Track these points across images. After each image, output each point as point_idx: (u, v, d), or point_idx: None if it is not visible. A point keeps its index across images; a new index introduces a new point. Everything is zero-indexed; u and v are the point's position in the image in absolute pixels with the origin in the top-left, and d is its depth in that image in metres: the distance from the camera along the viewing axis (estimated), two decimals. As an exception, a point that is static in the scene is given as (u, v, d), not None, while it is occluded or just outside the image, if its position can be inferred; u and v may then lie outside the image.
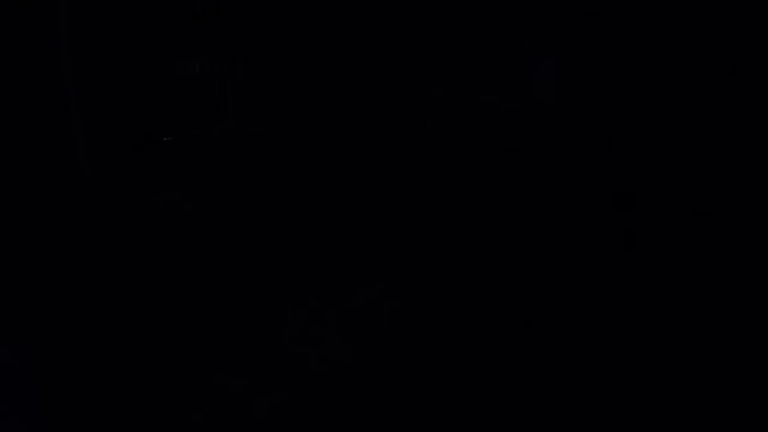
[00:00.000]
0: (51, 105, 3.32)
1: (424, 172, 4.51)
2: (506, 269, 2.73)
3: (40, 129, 3.26)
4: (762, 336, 2.12)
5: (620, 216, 3.49)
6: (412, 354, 2.00)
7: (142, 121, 4.44)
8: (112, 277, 2.55)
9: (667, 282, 2.63)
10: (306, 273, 2.66)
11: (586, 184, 4.07)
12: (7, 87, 3.17)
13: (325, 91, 7.43)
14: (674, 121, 3.80)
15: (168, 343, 2.03)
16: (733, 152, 3.22)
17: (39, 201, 3.20)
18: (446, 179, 4.33)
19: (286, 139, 4.57)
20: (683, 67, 3.67)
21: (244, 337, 2.09)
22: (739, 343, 2.08)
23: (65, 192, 3.36)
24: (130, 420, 1.63)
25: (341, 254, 2.89)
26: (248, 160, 4.16)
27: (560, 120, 4.96)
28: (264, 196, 3.78)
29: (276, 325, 2.18)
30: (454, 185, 4.18)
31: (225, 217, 3.41)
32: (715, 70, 3.44)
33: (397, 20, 5.92)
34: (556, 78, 5.14)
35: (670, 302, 2.42)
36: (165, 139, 4.92)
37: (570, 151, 4.61)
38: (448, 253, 2.93)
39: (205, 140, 5.18)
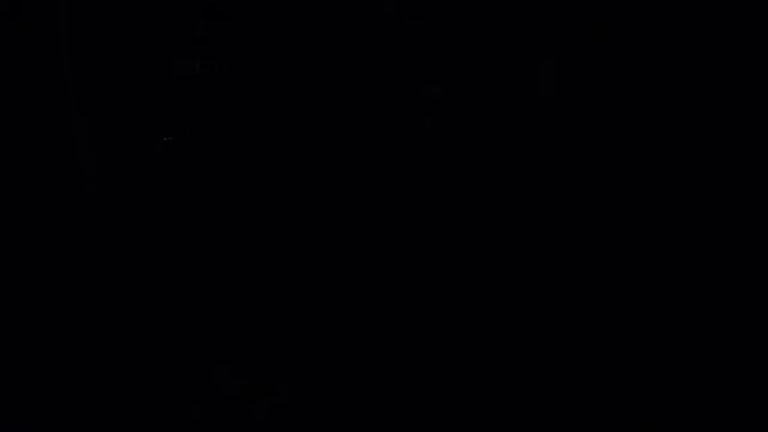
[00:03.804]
0: (51, 105, 3.31)
1: (423, 174, 4.50)
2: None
3: (40, 130, 3.25)
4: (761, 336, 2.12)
5: (620, 213, 3.48)
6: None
7: (143, 121, 4.44)
8: (111, 280, 2.55)
9: (666, 279, 2.62)
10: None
11: (586, 183, 4.06)
12: (7, 87, 3.17)
13: (321, 90, 7.38)
14: (673, 120, 3.79)
15: (168, 341, 2.03)
16: (735, 149, 3.20)
17: (38, 203, 3.20)
18: (446, 181, 4.32)
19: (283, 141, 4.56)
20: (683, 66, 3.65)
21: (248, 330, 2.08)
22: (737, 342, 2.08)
23: (65, 193, 3.36)
24: (129, 419, 1.63)
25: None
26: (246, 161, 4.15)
27: (561, 118, 4.95)
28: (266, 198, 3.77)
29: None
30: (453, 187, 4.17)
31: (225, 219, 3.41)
32: (715, 68, 3.43)
33: (395, 19, 5.89)
34: (556, 76, 5.13)
35: (669, 300, 2.42)
36: (165, 139, 4.92)
37: (571, 148, 4.60)
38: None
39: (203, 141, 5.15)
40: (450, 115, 5.44)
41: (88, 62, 3.56)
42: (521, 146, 4.52)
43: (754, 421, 1.65)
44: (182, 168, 3.93)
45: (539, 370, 1.90)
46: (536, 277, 2.63)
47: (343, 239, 3.10)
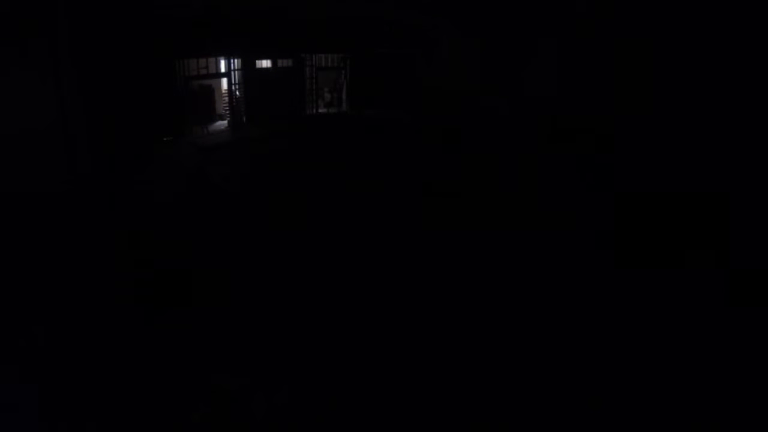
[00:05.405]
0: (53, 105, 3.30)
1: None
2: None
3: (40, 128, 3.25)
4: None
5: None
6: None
7: (145, 122, 4.44)
8: (109, 272, 2.54)
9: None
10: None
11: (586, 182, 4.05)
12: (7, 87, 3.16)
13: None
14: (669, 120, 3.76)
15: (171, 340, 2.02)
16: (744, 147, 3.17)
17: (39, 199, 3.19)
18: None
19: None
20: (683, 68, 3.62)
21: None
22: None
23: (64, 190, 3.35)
24: (131, 419, 1.63)
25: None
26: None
27: (560, 117, 4.94)
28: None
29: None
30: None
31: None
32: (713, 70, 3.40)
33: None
34: (556, 76, 5.12)
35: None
36: (165, 139, 4.92)
37: (571, 146, 4.59)
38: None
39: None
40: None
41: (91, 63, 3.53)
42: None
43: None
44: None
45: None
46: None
47: (339, 229, 3.08)
